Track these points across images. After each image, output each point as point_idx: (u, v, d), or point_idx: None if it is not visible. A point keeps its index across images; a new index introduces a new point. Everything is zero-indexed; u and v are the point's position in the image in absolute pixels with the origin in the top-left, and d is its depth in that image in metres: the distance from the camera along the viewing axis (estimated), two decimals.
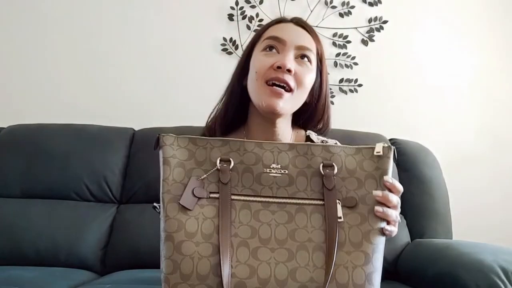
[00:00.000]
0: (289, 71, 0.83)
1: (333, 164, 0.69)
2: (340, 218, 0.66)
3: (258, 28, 1.94)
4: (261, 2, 2.00)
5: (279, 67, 0.83)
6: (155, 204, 0.93)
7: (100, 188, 1.63)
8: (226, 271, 0.61)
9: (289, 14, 1.00)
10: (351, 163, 0.70)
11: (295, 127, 0.98)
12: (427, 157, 1.71)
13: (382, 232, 0.67)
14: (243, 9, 2.00)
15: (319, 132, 1.00)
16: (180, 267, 0.63)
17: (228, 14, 2.00)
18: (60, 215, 1.55)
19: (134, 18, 2.00)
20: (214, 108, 0.96)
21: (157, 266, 1.49)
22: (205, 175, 0.68)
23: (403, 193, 1.73)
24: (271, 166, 0.69)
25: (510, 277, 1.06)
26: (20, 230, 1.50)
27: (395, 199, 0.70)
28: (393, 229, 0.69)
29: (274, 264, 0.63)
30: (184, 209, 0.66)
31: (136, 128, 1.78)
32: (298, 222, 0.66)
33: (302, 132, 0.99)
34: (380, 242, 0.66)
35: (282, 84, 0.83)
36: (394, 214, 0.69)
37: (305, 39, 0.90)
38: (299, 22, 0.93)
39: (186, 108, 1.92)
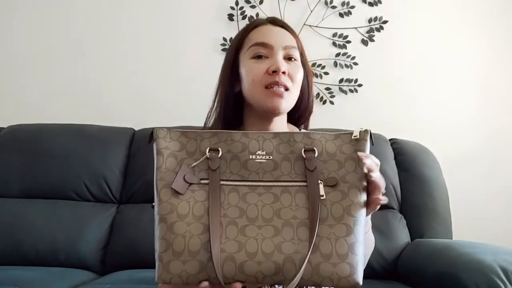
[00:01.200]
0: (283, 73, 0.88)
1: (314, 148, 0.74)
2: (322, 196, 0.70)
3: None
4: (261, 2, 2.01)
5: (274, 71, 0.87)
6: (153, 204, 0.94)
7: (100, 188, 1.63)
8: (216, 246, 0.65)
9: (263, 15, 1.01)
10: (331, 147, 0.75)
11: (290, 124, 1.01)
12: (427, 157, 1.72)
13: (363, 197, 0.71)
14: (243, 9, 2.00)
15: (301, 123, 1.03)
16: (173, 245, 0.67)
17: (228, 14, 2.00)
18: (60, 215, 1.56)
19: (134, 18, 2.00)
20: (209, 115, 0.99)
21: None
22: (195, 163, 0.72)
23: (403, 193, 1.73)
24: (257, 153, 0.74)
25: (510, 277, 1.06)
26: (20, 230, 1.51)
27: (374, 167, 0.73)
28: (385, 197, 0.72)
29: (261, 239, 0.67)
30: (176, 193, 0.70)
31: (136, 128, 1.79)
32: (283, 202, 0.70)
33: (296, 130, 1.01)
34: (360, 215, 0.70)
35: (281, 86, 0.88)
36: (383, 183, 0.73)
37: (288, 38, 0.93)
38: (276, 22, 0.96)
39: (186, 108, 1.92)
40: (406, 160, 1.69)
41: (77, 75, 1.98)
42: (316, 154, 0.73)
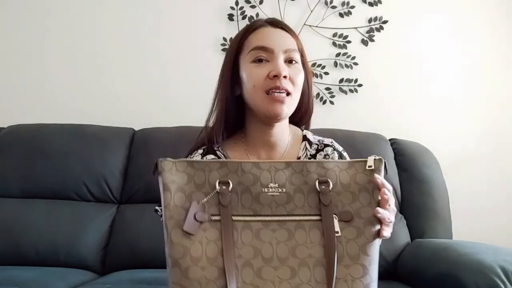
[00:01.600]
0: (285, 77, 0.87)
1: (328, 180, 0.72)
2: (337, 232, 0.69)
3: None
4: (261, 2, 2.01)
5: (275, 76, 0.86)
6: (156, 207, 0.94)
7: (100, 188, 1.63)
8: None
9: (263, 16, 1.01)
10: (345, 178, 0.73)
11: (292, 125, 1.01)
12: (427, 157, 1.72)
13: (379, 235, 0.70)
14: (243, 9, 2.00)
15: (302, 124, 1.03)
16: None
17: (228, 14, 2.00)
18: (60, 215, 1.55)
19: (134, 18, 2.00)
20: (209, 117, 0.98)
21: (157, 266, 1.50)
22: (205, 199, 0.70)
23: (403, 193, 1.74)
24: (269, 186, 0.72)
25: (510, 277, 1.06)
26: (20, 230, 1.50)
27: (392, 201, 0.73)
28: (387, 231, 0.71)
29: (278, 282, 0.66)
30: (188, 234, 0.68)
31: (136, 128, 1.78)
32: (298, 238, 0.69)
33: (299, 132, 1.02)
34: (375, 254, 0.69)
35: (282, 91, 0.87)
36: (387, 214, 0.71)
37: (288, 41, 0.92)
38: (276, 24, 0.95)
39: (186, 108, 1.92)
40: (406, 160, 1.69)
41: (77, 75, 1.97)
42: (330, 187, 0.72)
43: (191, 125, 1.64)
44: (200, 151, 0.98)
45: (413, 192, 1.63)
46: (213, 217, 0.69)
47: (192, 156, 0.99)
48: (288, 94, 0.87)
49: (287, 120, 0.97)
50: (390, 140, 1.76)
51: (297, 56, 0.92)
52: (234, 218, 0.69)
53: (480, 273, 1.07)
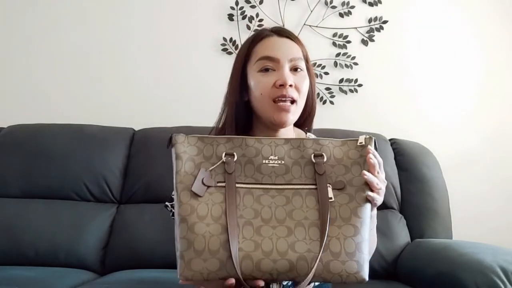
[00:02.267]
0: (290, 86, 0.91)
1: (323, 154, 0.80)
2: (331, 198, 0.76)
3: (258, 28, 1.94)
4: (261, 2, 2.01)
5: (281, 85, 0.91)
6: (166, 203, 0.99)
7: (100, 188, 1.63)
8: (234, 245, 0.70)
9: (268, 25, 1.03)
10: (339, 153, 0.81)
11: (296, 128, 1.04)
12: (427, 157, 1.72)
13: (368, 200, 0.76)
14: (243, 9, 2.00)
15: (306, 125, 1.07)
16: (194, 244, 0.71)
17: (228, 14, 2.00)
18: (60, 215, 1.56)
19: (134, 18, 2.00)
20: (220, 119, 1.02)
21: (157, 266, 1.50)
22: (213, 167, 0.77)
23: (403, 193, 1.74)
24: (270, 158, 0.79)
25: (510, 277, 1.06)
26: (20, 230, 1.51)
27: (376, 168, 0.79)
28: (375, 195, 0.76)
29: (275, 238, 0.72)
30: (195, 195, 0.74)
31: (136, 128, 1.79)
32: (295, 203, 0.76)
33: (303, 134, 1.05)
34: (367, 216, 0.75)
35: (288, 99, 0.92)
36: (376, 180, 0.77)
37: (294, 50, 0.96)
38: (282, 33, 0.98)
39: (186, 108, 1.92)
40: (406, 160, 1.69)
41: (77, 75, 1.97)
42: (325, 159, 0.79)
43: (191, 125, 1.65)
44: None
45: (413, 192, 1.63)
46: (219, 184, 0.76)
47: None
48: (293, 102, 0.92)
49: (291, 124, 0.99)
50: (390, 140, 1.77)
51: (302, 64, 0.95)
52: (237, 185, 0.76)
53: (480, 273, 1.08)
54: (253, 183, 0.77)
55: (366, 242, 0.73)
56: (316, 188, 0.77)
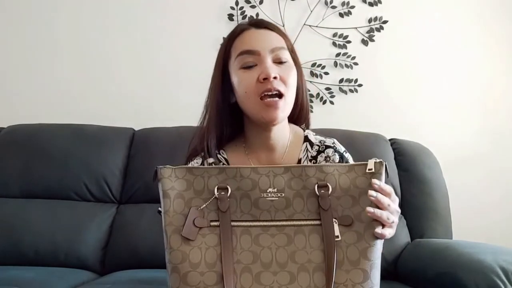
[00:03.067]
0: (275, 78, 0.85)
1: (328, 184, 0.72)
2: (337, 237, 0.68)
3: None
4: (261, 2, 2.00)
5: (265, 79, 0.85)
6: (159, 209, 0.94)
7: (100, 188, 1.63)
8: None
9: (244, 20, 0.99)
10: (345, 182, 0.72)
11: (293, 125, 1.00)
12: (427, 157, 1.71)
13: (376, 237, 0.69)
14: (243, 9, 2.00)
15: (301, 121, 1.02)
16: None
17: (228, 14, 2.00)
18: (59, 215, 1.55)
19: (134, 18, 2.00)
20: (202, 123, 0.96)
21: (157, 266, 1.50)
22: (204, 205, 0.70)
23: (403, 193, 1.73)
24: (268, 190, 0.72)
25: (510, 277, 1.06)
26: (19, 230, 1.50)
27: (385, 200, 0.71)
28: (384, 231, 0.70)
29: (277, 287, 0.65)
30: (187, 240, 0.68)
31: (136, 128, 1.78)
32: (297, 243, 0.68)
33: (300, 132, 1.00)
34: (377, 258, 0.68)
35: (274, 93, 0.85)
36: (385, 214, 0.70)
37: (274, 40, 0.90)
38: (260, 24, 0.93)
39: (186, 108, 1.91)
40: (406, 160, 1.68)
41: (77, 75, 1.97)
42: (330, 191, 0.71)
43: (191, 125, 1.64)
44: (202, 153, 0.97)
45: (413, 192, 1.63)
46: (212, 223, 0.69)
47: (193, 159, 0.98)
48: (281, 96, 0.86)
49: (286, 120, 0.96)
50: (390, 140, 1.76)
51: (285, 55, 0.90)
52: (233, 223, 0.69)
53: (480, 273, 1.07)
54: (251, 221, 0.70)
55: (377, 286, 0.67)
56: (320, 224, 0.69)
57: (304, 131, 1.01)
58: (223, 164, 0.95)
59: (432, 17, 2.06)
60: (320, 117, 1.83)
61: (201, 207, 0.70)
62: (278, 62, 0.88)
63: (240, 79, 0.88)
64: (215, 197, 0.71)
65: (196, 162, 0.97)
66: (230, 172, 0.72)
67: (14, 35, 1.98)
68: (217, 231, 0.69)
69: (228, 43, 0.92)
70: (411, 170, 1.66)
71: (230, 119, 0.94)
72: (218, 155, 0.96)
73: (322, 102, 1.99)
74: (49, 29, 1.98)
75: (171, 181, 0.72)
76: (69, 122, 1.77)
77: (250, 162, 0.96)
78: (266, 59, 0.87)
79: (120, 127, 1.77)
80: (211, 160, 0.95)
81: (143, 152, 1.66)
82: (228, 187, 0.71)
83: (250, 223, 0.70)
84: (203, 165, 0.95)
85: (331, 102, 2.00)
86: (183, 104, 1.94)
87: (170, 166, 0.73)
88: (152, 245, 1.48)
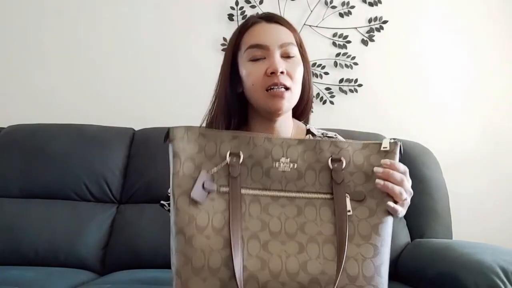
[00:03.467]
0: (282, 73, 0.87)
1: (342, 158, 0.70)
2: (349, 211, 0.67)
3: None
4: (261, 2, 2.01)
5: (272, 73, 0.87)
6: (162, 202, 0.95)
7: (100, 188, 1.63)
8: (237, 263, 0.62)
9: (258, 11, 0.99)
10: (359, 158, 0.71)
11: (296, 120, 1.01)
12: (427, 158, 1.71)
13: (388, 212, 0.68)
14: (243, 9, 2.00)
15: (304, 117, 1.03)
16: (192, 261, 0.63)
17: (228, 14, 2.00)
18: (59, 215, 1.55)
19: (134, 18, 2.00)
20: (210, 114, 0.97)
21: (157, 266, 1.50)
22: (215, 169, 0.68)
23: None
24: (281, 160, 0.70)
25: (510, 277, 1.06)
26: (19, 230, 1.50)
27: (398, 175, 0.72)
28: (398, 207, 0.69)
29: (285, 256, 0.63)
30: (195, 202, 0.66)
31: (136, 128, 1.78)
32: (308, 215, 0.67)
33: (302, 126, 1.02)
34: (388, 235, 0.67)
35: (280, 86, 0.87)
36: (397, 189, 0.70)
37: (283, 35, 0.92)
38: (270, 19, 0.94)
39: (186, 108, 1.91)
40: (406, 160, 1.66)
41: (77, 75, 1.97)
42: (343, 165, 0.70)
43: (191, 125, 1.64)
44: None
45: (413, 192, 1.62)
46: (222, 188, 0.68)
47: None
48: (287, 89, 0.88)
49: (289, 114, 0.97)
50: (390, 140, 1.76)
51: (294, 50, 0.91)
52: (243, 191, 0.68)
53: (480, 273, 1.07)
54: (261, 189, 0.68)
55: (386, 264, 0.66)
56: (332, 198, 0.68)
57: (306, 125, 1.03)
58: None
59: (432, 17, 2.07)
60: (320, 117, 1.83)
61: (212, 171, 0.68)
62: (286, 56, 0.90)
63: (248, 72, 0.90)
64: (227, 162, 0.69)
65: None
66: (244, 139, 0.71)
67: (14, 35, 1.98)
68: (226, 197, 0.67)
69: (239, 35, 0.94)
70: (411, 170, 1.63)
71: (237, 108, 0.96)
72: None
73: (322, 102, 1.99)
74: (49, 29, 1.98)
75: (183, 143, 0.70)
76: (69, 122, 1.77)
77: None
78: (275, 53, 0.88)
79: (120, 127, 1.77)
80: None
81: (143, 152, 1.66)
82: (241, 153, 0.70)
83: (260, 192, 0.68)
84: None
85: (331, 102, 2.00)
86: (183, 104, 1.94)
87: (183, 126, 0.71)
88: (152, 245, 1.48)
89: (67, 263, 1.48)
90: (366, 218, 0.67)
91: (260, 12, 1.97)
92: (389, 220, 0.68)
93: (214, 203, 0.67)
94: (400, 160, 0.74)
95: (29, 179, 1.61)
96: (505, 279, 1.05)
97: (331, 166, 0.70)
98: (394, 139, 0.74)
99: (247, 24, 0.94)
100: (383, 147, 0.73)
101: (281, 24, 0.94)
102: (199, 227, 0.64)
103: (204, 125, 0.98)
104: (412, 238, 1.56)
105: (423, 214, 1.60)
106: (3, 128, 1.75)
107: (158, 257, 1.47)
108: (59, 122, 1.77)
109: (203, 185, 0.67)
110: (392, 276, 1.44)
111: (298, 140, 0.72)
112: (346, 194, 0.68)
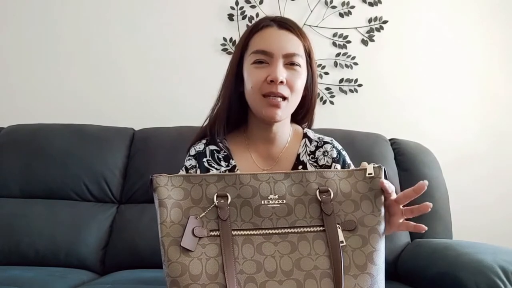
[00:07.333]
0: (281, 82, 0.87)
1: (329, 189, 0.71)
2: (342, 242, 0.67)
3: None
4: (261, 2, 2.01)
5: (272, 81, 0.87)
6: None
7: (100, 188, 1.63)
8: None
9: (271, 13, 1.00)
10: (346, 187, 0.72)
11: (293, 122, 1.03)
12: (427, 157, 1.71)
13: (380, 238, 0.70)
14: (243, 9, 2.00)
15: (304, 122, 1.05)
16: None
17: (228, 14, 2.00)
18: (59, 215, 1.55)
19: (134, 18, 2.00)
20: (213, 110, 1.00)
21: (157, 266, 1.49)
22: (203, 213, 0.68)
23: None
24: (269, 197, 0.70)
25: (510, 277, 1.06)
26: (19, 230, 1.50)
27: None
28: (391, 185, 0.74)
29: None
30: (186, 250, 0.65)
31: (136, 128, 1.78)
32: (302, 250, 0.67)
33: (300, 129, 1.04)
34: (382, 262, 0.68)
35: (277, 95, 0.88)
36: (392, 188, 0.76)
37: (291, 44, 0.92)
38: (282, 24, 0.94)
39: (186, 108, 1.92)
40: (406, 160, 1.68)
41: (77, 75, 1.97)
42: (331, 196, 0.70)
43: (191, 125, 1.64)
44: (204, 141, 1.01)
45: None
46: (212, 232, 0.67)
47: (195, 146, 1.01)
48: (284, 98, 0.89)
49: (287, 120, 0.98)
50: (390, 140, 1.76)
51: (298, 60, 0.91)
52: (234, 232, 0.67)
53: (480, 273, 1.07)
54: (252, 229, 0.67)
55: None
56: (324, 230, 0.68)
57: (304, 129, 1.04)
58: (224, 152, 0.98)
59: (432, 17, 2.07)
60: (320, 117, 1.81)
61: (200, 216, 0.67)
62: (290, 64, 0.90)
63: (249, 74, 0.91)
64: (215, 205, 0.68)
65: (198, 148, 1.00)
66: (229, 179, 0.70)
67: (15, 35, 1.98)
68: (217, 241, 0.66)
69: (249, 35, 0.95)
70: (411, 170, 1.66)
71: (238, 107, 0.97)
72: (220, 144, 0.99)
73: (322, 102, 1.99)
74: (49, 29, 1.98)
75: (168, 190, 0.69)
76: (69, 122, 1.77)
77: (249, 153, 0.99)
78: (278, 61, 0.89)
79: (120, 127, 1.77)
80: (213, 147, 0.99)
81: (143, 152, 1.66)
82: (228, 194, 0.69)
83: (251, 232, 0.67)
84: (205, 151, 0.98)
85: (331, 102, 2.00)
86: (183, 104, 1.94)
87: (166, 175, 0.70)
88: (152, 245, 1.48)
89: (67, 263, 1.48)
90: (360, 248, 0.67)
91: (260, 12, 1.99)
92: (382, 246, 0.69)
93: (205, 250, 0.66)
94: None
95: (29, 179, 1.61)
96: (505, 279, 1.05)
97: (319, 198, 0.70)
98: (377, 164, 0.74)
99: (258, 26, 0.95)
100: (368, 173, 0.72)
101: (292, 32, 0.93)
102: (193, 276, 0.63)
103: (209, 118, 1.00)
104: (412, 238, 1.56)
105: (423, 214, 1.58)
106: (3, 128, 1.75)
107: (158, 257, 1.44)
108: (59, 122, 1.77)
109: (192, 231, 0.66)
110: (392, 276, 1.46)
111: (284, 174, 0.72)
112: (337, 225, 0.68)
